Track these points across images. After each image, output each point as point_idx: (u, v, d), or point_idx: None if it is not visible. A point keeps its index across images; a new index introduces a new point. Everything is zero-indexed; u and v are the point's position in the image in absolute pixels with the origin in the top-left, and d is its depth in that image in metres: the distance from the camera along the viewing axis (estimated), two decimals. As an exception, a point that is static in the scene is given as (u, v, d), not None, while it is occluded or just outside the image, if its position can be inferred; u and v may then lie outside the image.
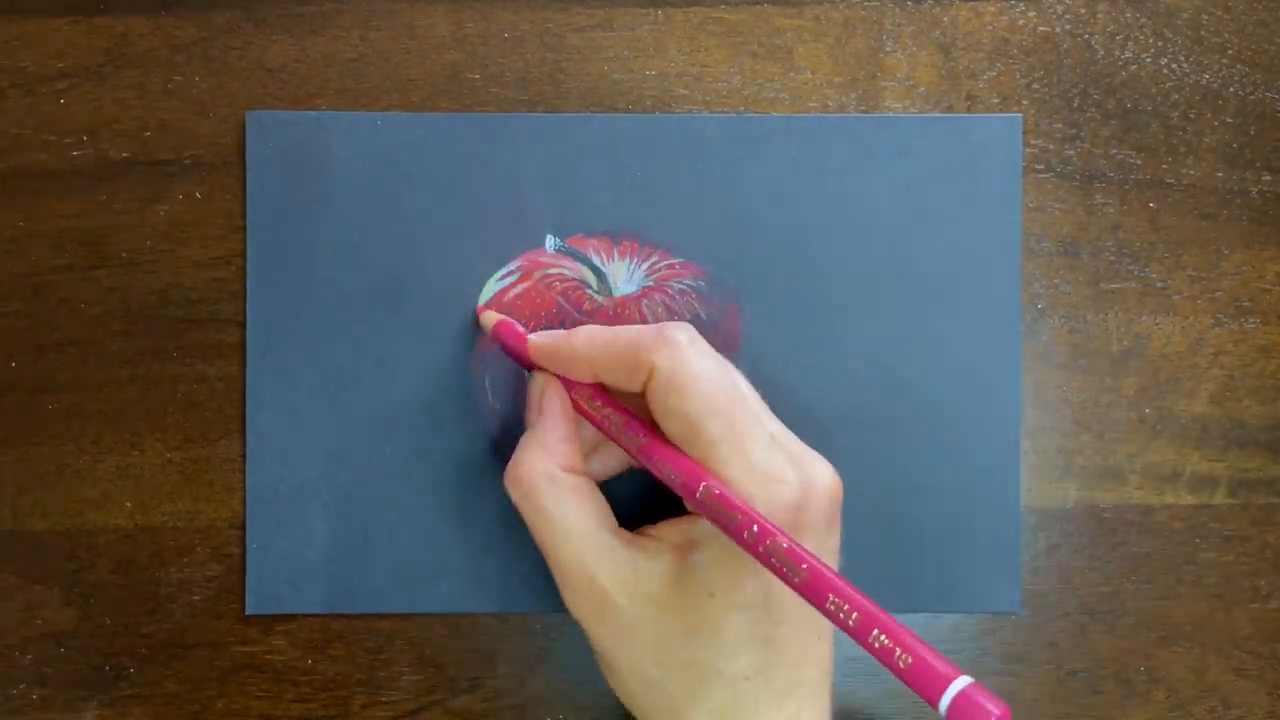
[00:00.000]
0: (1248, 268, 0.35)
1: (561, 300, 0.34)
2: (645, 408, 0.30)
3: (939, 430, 0.34)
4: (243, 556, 0.34)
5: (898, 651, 0.24)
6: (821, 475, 0.29)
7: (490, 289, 0.34)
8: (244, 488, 0.34)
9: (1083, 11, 0.35)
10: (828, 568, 0.25)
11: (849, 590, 0.25)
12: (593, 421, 0.31)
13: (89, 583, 0.34)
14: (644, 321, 0.34)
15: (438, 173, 0.34)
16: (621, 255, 0.34)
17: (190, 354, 0.34)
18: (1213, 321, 0.35)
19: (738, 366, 0.34)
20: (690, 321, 0.34)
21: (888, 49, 0.34)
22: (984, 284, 0.34)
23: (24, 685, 0.34)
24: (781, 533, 0.26)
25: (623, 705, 0.31)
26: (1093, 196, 0.35)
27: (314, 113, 0.34)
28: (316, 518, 0.33)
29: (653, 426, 0.30)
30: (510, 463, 0.30)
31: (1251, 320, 0.35)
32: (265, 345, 0.33)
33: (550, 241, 0.34)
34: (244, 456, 0.34)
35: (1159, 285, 0.35)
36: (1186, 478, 0.35)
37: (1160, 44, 0.35)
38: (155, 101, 0.34)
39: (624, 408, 0.30)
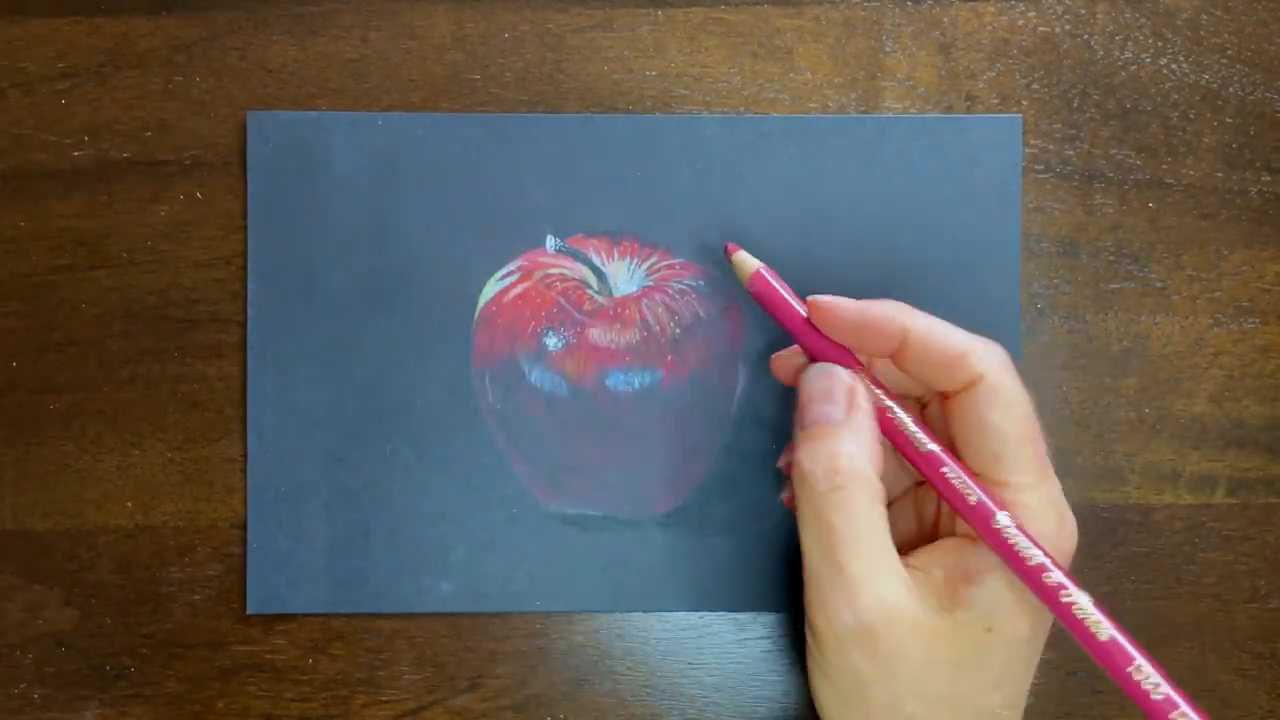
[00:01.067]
0: (1247, 268, 0.35)
1: (561, 300, 0.34)
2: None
3: (939, 430, 0.34)
4: (243, 556, 0.34)
5: None
6: (1074, 537, 0.29)
7: (490, 289, 0.34)
8: (244, 488, 0.34)
9: (1083, 12, 0.35)
10: (1125, 631, 0.26)
11: (1151, 663, 0.25)
12: (880, 419, 0.29)
13: (90, 583, 0.34)
14: (644, 321, 0.34)
15: (438, 173, 0.34)
16: (621, 255, 0.34)
17: (190, 354, 0.34)
18: (1212, 321, 0.35)
19: (739, 367, 0.34)
20: (690, 322, 0.34)
21: (888, 49, 0.34)
22: (984, 284, 0.34)
23: (25, 685, 0.34)
24: (1080, 586, 0.26)
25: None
26: (1092, 196, 0.35)
27: (314, 113, 0.34)
28: (316, 518, 0.33)
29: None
30: (823, 451, 0.28)
31: (1251, 320, 0.35)
32: (265, 345, 0.34)
33: (550, 241, 0.34)
34: (244, 456, 0.34)
35: (1159, 285, 0.35)
36: (1186, 477, 0.35)
37: (1160, 44, 0.35)
38: (156, 101, 0.34)
39: (901, 401, 0.29)
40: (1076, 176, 0.35)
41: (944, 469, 0.28)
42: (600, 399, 0.34)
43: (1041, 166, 0.34)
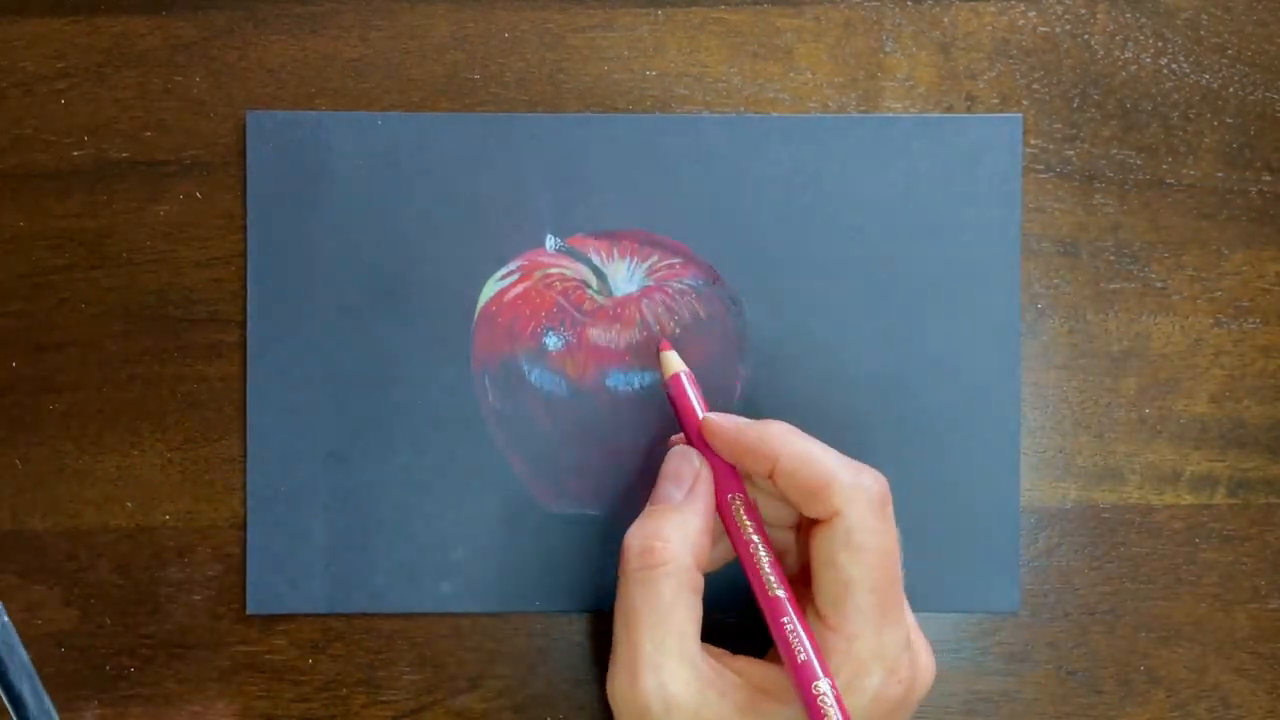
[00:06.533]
0: (1248, 268, 0.35)
1: (561, 300, 0.34)
2: (784, 517, 0.30)
3: (939, 430, 0.34)
4: (243, 556, 0.34)
5: None
6: (925, 673, 0.29)
7: (490, 289, 0.34)
8: (244, 488, 0.34)
9: (1083, 12, 0.35)
10: None
11: None
12: (730, 532, 0.30)
13: (89, 583, 0.34)
14: (644, 321, 0.34)
15: (438, 173, 0.34)
16: (621, 255, 0.34)
17: (190, 354, 0.34)
18: (1213, 321, 0.35)
19: (739, 367, 0.34)
20: (690, 321, 0.34)
21: (888, 49, 0.34)
22: (984, 284, 0.34)
23: (24, 685, 0.34)
24: None
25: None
26: (1092, 196, 0.35)
27: (314, 113, 0.34)
28: (316, 518, 0.33)
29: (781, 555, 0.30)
30: (646, 531, 0.29)
31: (1251, 320, 0.35)
32: (265, 345, 0.34)
33: (550, 241, 0.34)
34: (244, 456, 0.34)
35: (1159, 285, 0.35)
36: (1186, 478, 0.35)
37: (1160, 44, 0.35)
38: (155, 101, 0.34)
39: (767, 536, 0.29)
40: (1076, 176, 0.35)
41: (784, 619, 0.28)
42: (600, 399, 0.34)
43: (1041, 166, 0.34)
